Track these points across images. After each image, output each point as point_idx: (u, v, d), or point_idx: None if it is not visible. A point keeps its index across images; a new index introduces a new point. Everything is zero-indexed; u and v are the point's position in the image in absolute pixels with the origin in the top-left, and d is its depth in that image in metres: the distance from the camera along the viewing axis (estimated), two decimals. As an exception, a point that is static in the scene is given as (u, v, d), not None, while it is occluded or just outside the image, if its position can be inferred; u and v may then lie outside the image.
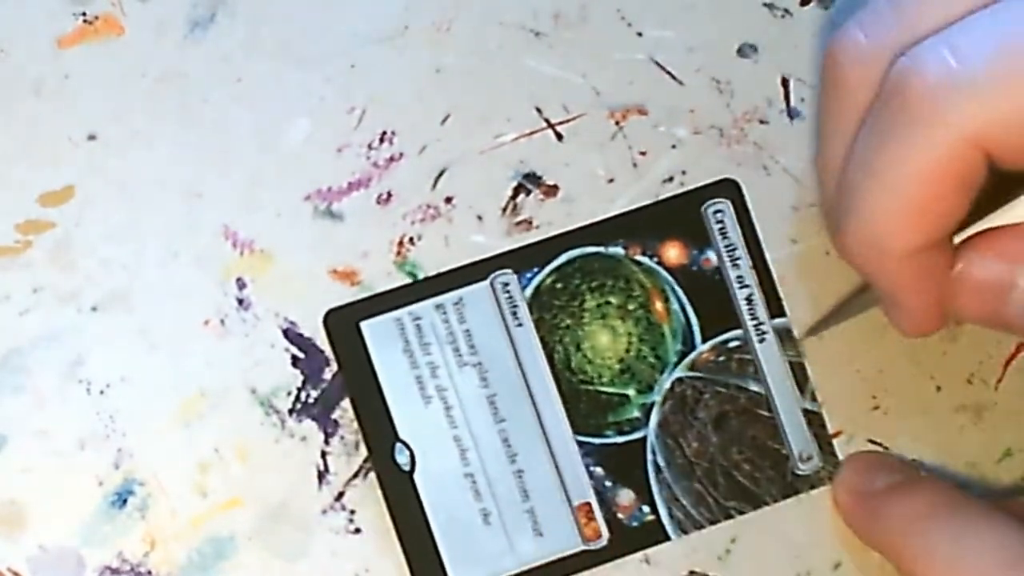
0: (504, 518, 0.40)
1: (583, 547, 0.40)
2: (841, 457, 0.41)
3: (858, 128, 0.37)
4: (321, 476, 0.40)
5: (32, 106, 0.41)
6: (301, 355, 0.41)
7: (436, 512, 0.39)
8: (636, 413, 0.41)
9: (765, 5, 0.43)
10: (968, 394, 0.42)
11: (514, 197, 0.42)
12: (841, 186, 0.37)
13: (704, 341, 0.41)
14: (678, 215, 0.41)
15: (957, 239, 0.37)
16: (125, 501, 0.40)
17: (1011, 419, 0.42)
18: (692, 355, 0.41)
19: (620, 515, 0.40)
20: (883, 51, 0.36)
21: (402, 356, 0.40)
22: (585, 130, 0.42)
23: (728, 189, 0.42)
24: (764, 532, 0.41)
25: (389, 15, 0.42)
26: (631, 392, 0.41)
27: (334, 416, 0.40)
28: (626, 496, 0.40)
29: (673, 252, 0.41)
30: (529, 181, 0.42)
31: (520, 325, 0.41)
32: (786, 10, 0.43)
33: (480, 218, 0.41)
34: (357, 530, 0.40)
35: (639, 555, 0.40)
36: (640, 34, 0.43)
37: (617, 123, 0.42)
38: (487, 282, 0.41)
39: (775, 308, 0.41)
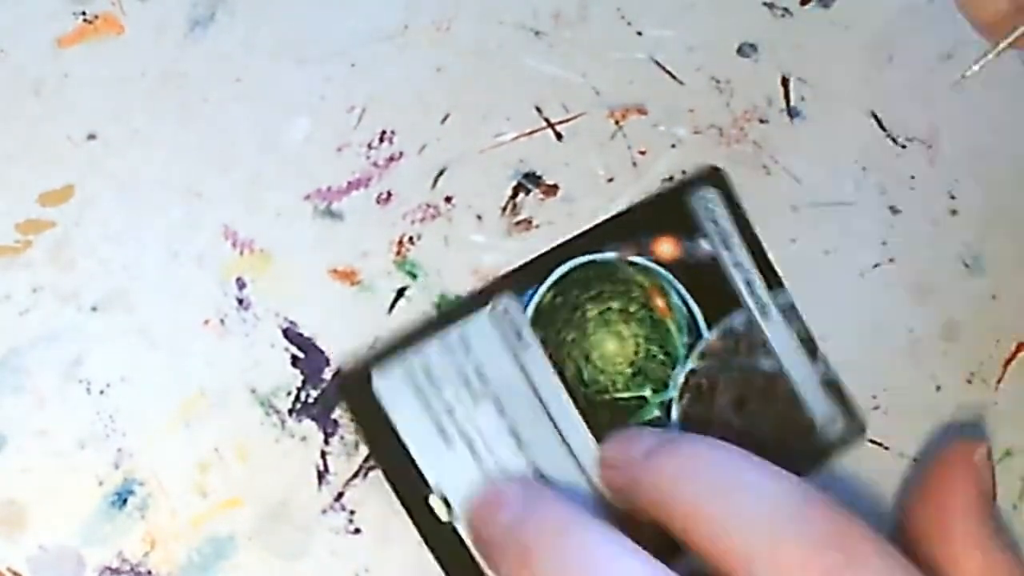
0: None
1: None
2: (862, 418, 0.41)
3: None
4: (321, 476, 0.40)
5: (32, 106, 0.41)
6: (301, 355, 0.40)
7: None
8: (656, 412, 0.41)
9: (765, 5, 0.43)
10: (968, 394, 0.42)
11: (514, 196, 0.42)
12: None
13: (710, 329, 0.41)
14: (666, 210, 0.41)
15: None
16: (125, 501, 0.40)
17: (1011, 419, 0.42)
18: (701, 345, 0.41)
19: None
20: None
21: (416, 403, 0.39)
22: (585, 130, 0.42)
23: (713, 177, 0.41)
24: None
25: (389, 15, 0.42)
26: (647, 393, 0.41)
27: (334, 416, 0.40)
28: None
29: (666, 247, 0.41)
30: (529, 180, 0.42)
31: (528, 347, 0.40)
32: (786, 10, 0.43)
33: (480, 217, 0.41)
34: (357, 530, 0.40)
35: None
36: (640, 34, 0.43)
37: (617, 123, 0.42)
38: (487, 309, 0.40)
39: (774, 283, 0.41)
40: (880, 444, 0.42)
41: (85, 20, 0.41)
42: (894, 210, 0.43)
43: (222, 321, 0.41)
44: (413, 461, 0.39)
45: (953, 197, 0.43)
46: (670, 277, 0.41)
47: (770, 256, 0.41)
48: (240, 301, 0.41)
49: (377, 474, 0.40)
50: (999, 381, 0.42)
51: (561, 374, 0.40)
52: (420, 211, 0.41)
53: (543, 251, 0.41)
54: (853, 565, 0.34)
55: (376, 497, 0.40)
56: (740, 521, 0.35)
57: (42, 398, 0.40)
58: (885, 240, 0.43)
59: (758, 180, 0.42)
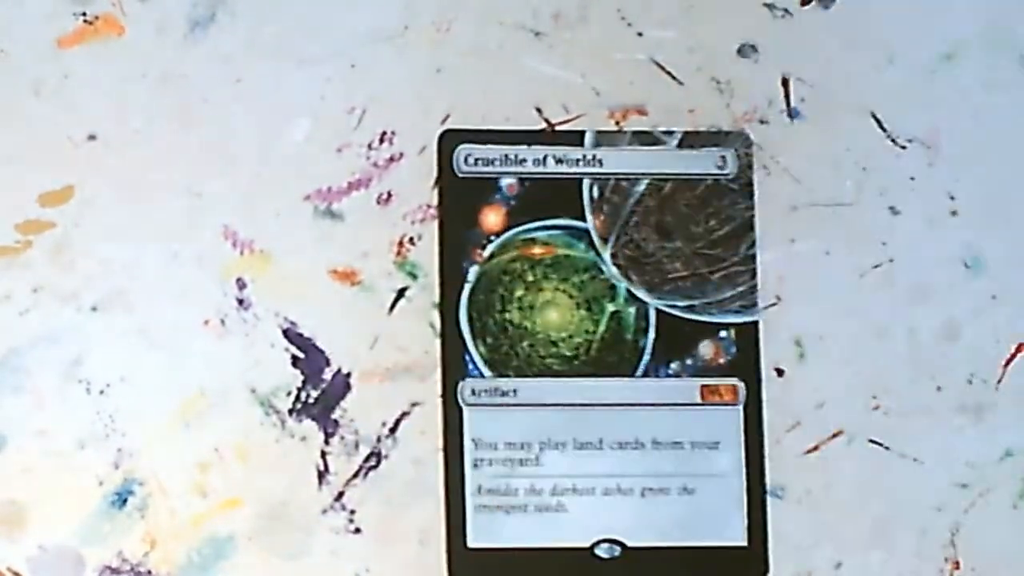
0: (692, 473, 0.40)
1: (741, 406, 0.41)
2: (735, 130, 0.41)
3: None
4: (321, 476, 0.40)
5: (32, 106, 0.41)
6: (301, 355, 0.40)
7: None
8: (631, 309, 0.41)
9: (765, 5, 0.43)
10: (968, 394, 0.42)
11: (514, 197, 0.42)
12: None
13: (584, 219, 0.41)
14: (456, 197, 0.41)
15: None
16: (125, 501, 0.40)
17: (1011, 419, 0.42)
18: (593, 236, 0.41)
19: (721, 360, 0.41)
20: None
21: (511, 516, 0.40)
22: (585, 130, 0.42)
23: (451, 139, 0.41)
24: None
25: (389, 15, 0.42)
26: (610, 307, 0.41)
27: (334, 416, 0.40)
28: (706, 348, 0.41)
29: (490, 218, 0.41)
30: (529, 181, 0.42)
31: (516, 391, 0.41)
32: (786, 10, 0.43)
33: (480, 218, 0.41)
34: (357, 530, 0.40)
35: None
36: (640, 34, 0.43)
37: (617, 123, 0.42)
38: (465, 407, 0.40)
39: (574, 139, 0.41)
40: (880, 444, 0.42)
41: (85, 20, 0.41)
42: (894, 210, 0.43)
43: (222, 321, 0.41)
44: (558, 548, 0.40)
45: (953, 197, 0.43)
46: (518, 229, 0.41)
47: (545, 126, 0.41)
48: (240, 301, 0.41)
49: (377, 473, 0.40)
50: (999, 381, 0.42)
51: (554, 375, 0.41)
52: (420, 211, 0.41)
53: (440, 330, 0.41)
54: None
55: (376, 497, 0.40)
56: None
57: (42, 398, 0.40)
58: (885, 240, 0.42)
59: (758, 180, 0.42)
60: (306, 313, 0.41)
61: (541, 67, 0.42)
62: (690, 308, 0.41)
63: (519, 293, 0.41)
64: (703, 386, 0.40)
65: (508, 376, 0.40)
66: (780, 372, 0.42)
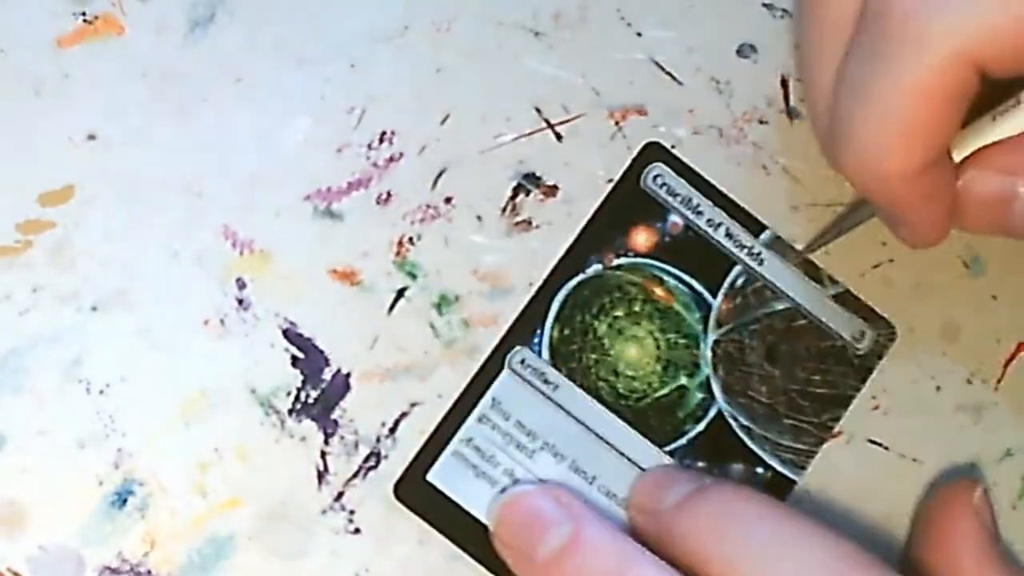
0: None
1: None
2: (888, 317, 0.42)
3: (843, 54, 0.37)
4: (321, 476, 0.40)
5: (32, 106, 0.41)
6: (301, 355, 0.41)
7: None
8: (699, 395, 0.41)
9: (765, 5, 0.43)
10: (968, 394, 0.42)
11: (514, 197, 0.42)
12: (833, 114, 0.37)
13: (715, 295, 0.41)
14: (626, 203, 0.41)
15: (956, 157, 0.37)
16: (125, 501, 0.40)
17: (1011, 419, 0.42)
18: (713, 314, 0.41)
19: None
20: None
21: (479, 482, 0.40)
22: (585, 130, 0.42)
23: (654, 152, 0.42)
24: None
25: (389, 15, 0.42)
26: (683, 380, 0.41)
27: (334, 416, 0.40)
28: (736, 470, 0.41)
29: (642, 237, 0.41)
30: (529, 181, 0.42)
31: (557, 388, 0.40)
32: (786, 10, 0.43)
33: (480, 218, 0.41)
34: (357, 530, 0.40)
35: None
36: (640, 34, 0.43)
37: (617, 123, 0.42)
38: (507, 369, 0.40)
39: (754, 228, 0.41)
40: (880, 444, 0.42)
41: (85, 20, 0.41)
42: (894, 210, 0.43)
43: (222, 321, 0.41)
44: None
45: (953, 197, 0.43)
46: (658, 264, 0.41)
47: (738, 201, 0.41)
48: (240, 301, 0.41)
49: (377, 473, 0.40)
50: (999, 381, 0.42)
51: (598, 398, 0.40)
52: (420, 211, 0.41)
53: (532, 294, 0.41)
54: None
55: (376, 497, 0.40)
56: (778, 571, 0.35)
57: (42, 398, 0.40)
58: (885, 240, 0.42)
59: (758, 180, 0.42)
60: (306, 313, 0.41)
61: (541, 67, 0.42)
62: (747, 430, 0.41)
63: (618, 313, 0.41)
64: None
65: (559, 371, 0.40)
66: (780, 372, 0.42)
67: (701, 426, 0.41)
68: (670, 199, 0.41)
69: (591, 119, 0.42)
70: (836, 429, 0.42)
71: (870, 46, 0.35)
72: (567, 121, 0.42)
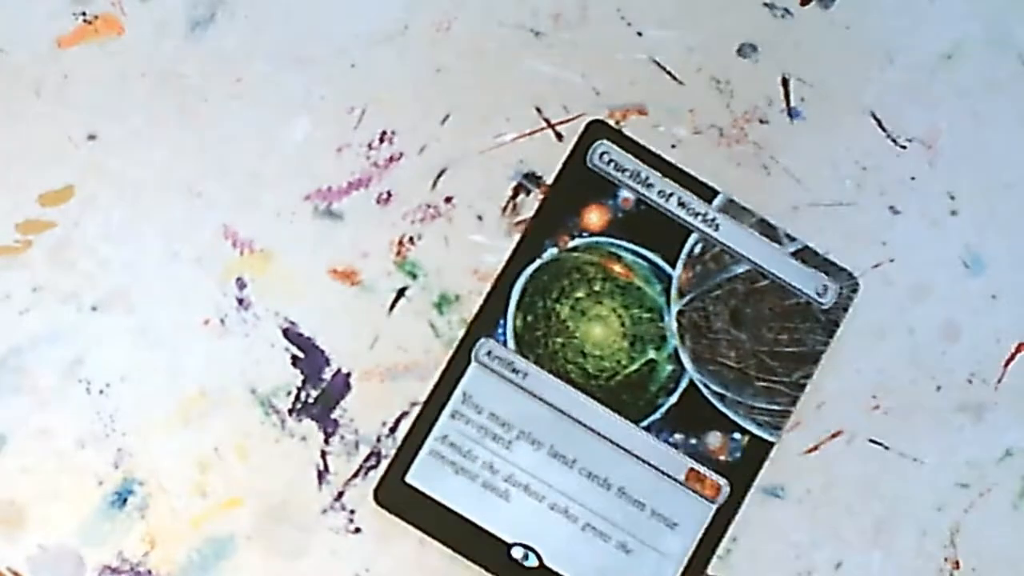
0: (638, 536, 0.40)
1: (716, 506, 0.40)
2: (850, 269, 0.41)
3: None
4: (321, 476, 0.40)
5: (32, 106, 0.41)
6: (301, 355, 0.41)
7: None
8: (669, 367, 0.41)
9: (765, 5, 0.43)
10: (968, 394, 0.42)
11: (514, 197, 0.42)
12: None
13: (674, 266, 0.41)
14: (574, 183, 0.41)
15: None
16: (125, 501, 0.40)
17: (1011, 419, 0.42)
18: (674, 285, 0.41)
19: (722, 457, 0.40)
20: None
21: (458, 477, 0.40)
22: (585, 130, 0.42)
23: (596, 130, 0.41)
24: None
25: (389, 15, 0.42)
26: (651, 354, 0.41)
27: (334, 416, 0.40)
28: (714, 439, 0.41)
29: (594, 216, 0.41)
30: (529, 181, 0.42)
31: (526, 375, 0.40)
32: (786, 10, 0.43)
33: (480, 218, 0.41)
34: (357, 530, 0.40)
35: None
36: (640, 34, 0.43)
37: (617, 123, 0.42)
38: (474, 363, 0.40)
39: (707, 194, 0.41)
40: (880, 444, 0.42)
41: (85, 20, 0.41)
42: (894, 210, 0.43)
43: (222, 321, 0.41)
44: (481, 528, 0.40)
45: (953, 197, 0.43)
46: (613, 240, 0.41)
47: (686, 169, 0.41)
48: (240, 301, 0.41)
49: (377, 473, 0.40)
50: (999, 381, 0.42)
51: (569, 380, 0.40)
52: (420, 211, 0.41)
53: (491, 284, 0.41)
54: None
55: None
56: None
57: (42, 398, 0.40)
58: (885, 240, 0.42)
59: (758, 180, 0.42)
60: (306, 313, 0.41)
61: (541, 67, 0.42)
62: (720, 397, 0.41)
63: (579, 294, 0.41)
64: (692, 469, 0.40)
65: (527, 358, 0.40)
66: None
67: (674, 398, 0.41)
68: (618, 175, 0.41)
69: (591, 119, 0.42)
70: (834, 430, 0.42)
71: None
72: (567, 121, 0.42)
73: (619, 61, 0.43)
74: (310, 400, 0.40)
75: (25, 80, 0.41)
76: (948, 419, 0.42)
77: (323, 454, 0.40)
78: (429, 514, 0.40)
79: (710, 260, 0.41)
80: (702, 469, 0.40)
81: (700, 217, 0.41)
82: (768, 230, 0.41)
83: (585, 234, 0.41)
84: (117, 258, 0.41)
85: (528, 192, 0.42)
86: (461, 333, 0.41)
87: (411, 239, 0.41)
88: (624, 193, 0.41)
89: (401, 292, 0.41)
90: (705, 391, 0.41)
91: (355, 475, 0.40)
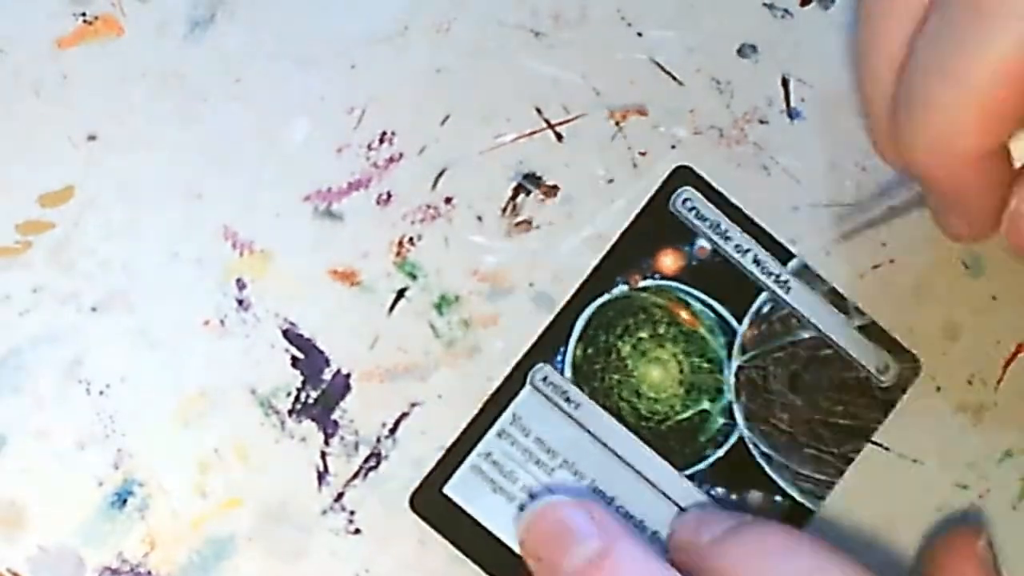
0: None
1: None
2: (914, 351, 0.42)
3: (915, 29, 0.36)
4: (321, 476, 0.40)
5: (32, 106, 0.41)
6: (301, 355, 0.41)
7: None
8: (721, 420, 0.41)
9: (765, 5, 0.43)
10: (968, 394, 0.42)
11: (514, 197, 0.42)
12: (902, 95, 0.36)
13: (740, 322, 0.41)
14: (654, 225, 0.41)
15: (1015, 155, 0.36)
16: (125, 501, 0.40)
17: (1011, 419, 0.42)
18: (738, 340, 0.41)
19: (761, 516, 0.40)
20: None
21: (496, 497, 0.40)
22: (585, 130, 0.42)
23: (683, 176, 0.42)
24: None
25: (389, 15, 0.42)
26: (706, 405, 0.41)
27: (334, 416, 0.40)
28: (756, 497, 0.40)
29: (669, 260, 0.41)
30: (529, 181, 0.42)
31: (578, 406, 0.40)
32: (786, 10, 0.43)
33: (480, 218, 0.41)
34: (357, 530, 0.40)
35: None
36: (640, 34, 0.43)
37: (617, 123, 0.42)
38: (529, 385, 0.40)
39: (782, 254, 0.41)
40: (880, 445, 0.42)
41: (85, 21, 0.41)
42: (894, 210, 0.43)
43: (222, 321, 0.41)
44: (512, 551, 0.40)
45: (953, 197, 0.43)
46: (684, 287, 0.41)
47: (766, 228, 0.41)
48: (240, 301, 0.41)
49: (377, 474, 0.40)
50: (999, 381, 0.42)
51: (619, 418, 0.40)
52: (420, 212, 0.41)
53: (556, 311, 0.41)
54: None
55: (376, 497, 0.40)
56: None
57: (42, 398, 0.40)
58: (885, 240, 0.42)
59: (758, 180, 0.42)
60: (306, 313, 0.41)
61: (541, 67, 0.42)
62: (767, 458, 0.41)
63: (643, 335, 0.41)
64: None
65: (582, 389, 0.40)
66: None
67: (721, 451, 0.41)
68: (698, 223, 0.41)
69: (591, 119, 0.42)
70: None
71: (950, 22, 0.35)
72: (567, 121, 0.42)
73: (619, 61, 0.43)
74: (310, 401, 0.40)
75: (25, 80, 0.41)
76: (948, 419, 0.42)
77: (323, 455, 0.40)
78: (462, 528, 0.40)
79: (777, 321, 0.41)
80: None
81: (773, 277, 0.41)
82: (838, 300, 0.41)
83: (657, 276, 0.41)
84: (117, 258, 0.41)
85: (528, 193, 0.42)
86: (461, 334, 0.41)
87: (411, 240, 0.41)
88: (701, 242, 0.41)
89: (401, 293, 0.41)
90: (753, 450, 0.41)
91: (355, 476, 0.40)
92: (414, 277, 0.41)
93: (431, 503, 0.40)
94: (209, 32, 0.42)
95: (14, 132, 0.41)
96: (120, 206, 0.41)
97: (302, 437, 0.40)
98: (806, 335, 0.41)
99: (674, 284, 0.41)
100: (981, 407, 0.42)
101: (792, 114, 0.43)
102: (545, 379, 0.40)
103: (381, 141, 0.42)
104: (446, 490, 0.40)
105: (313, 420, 0.40)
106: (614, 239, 0.41)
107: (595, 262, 0.41)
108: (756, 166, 0.42)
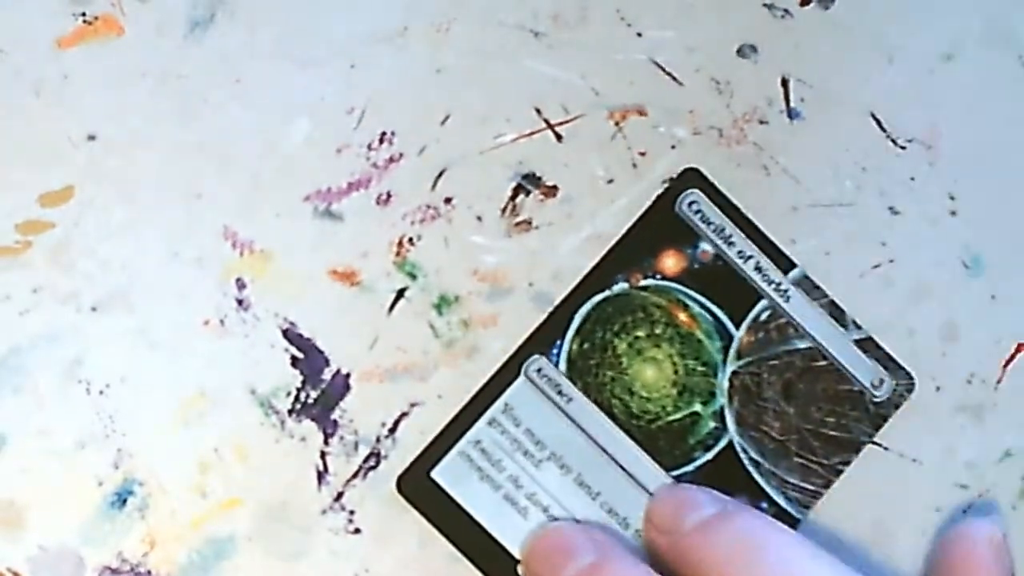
0: None
1: None
2: (908, 368, 0.41)
3: None
4: (321, 476, 0.40)
5: (32, 106, 0.41)
6: (301, 355, 0.41)
7: None
8: (712, 424, 0.41)
9: (765, 5, 0.43)
10: (968, 394, 0.42)
11: (514, 198, 0.42)
12: None
13: (738, 327, 0.41)
14: (658, 226, 0.41)
15: None
16: (125, 501, 0.40)
17: (1011, 419, 0.42)
18: (734, 345, 0.41)
19: None
20: None
21: (482, 484, 0.40)
22: (585, 130, 0.42)
23: (691, 178, 0.42)
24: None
25: (389, 15, 0.42)
26: (697, 407, 0.41)
27: (333, 416, 0.40)
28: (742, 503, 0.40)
29: (670, 261, 0.41)
30: (528, 181, 0.42)
31: (570, 400, 0.40)
32: (786, 10, 0.43)
33: (480, 218, 0.41)
34: (357, 530, 0.40)
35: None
36: (640, 34, 0.43)
37: (617, 123, 0.42)
38: (522, 376, 0.40)
39: (784, 264, 0.41)
40: (880, 445, 0.42)
41: (85, 21, 0.41)
42: (894, 210, 0.43)
43: (222, 321, 0.41)
44: (494, 539, 0.40)
45: (953, 197, 0.43)
46: (684, 289, 0.41)
47: (770, 235, 0.41)
48: (240, 301, 0.41)
49: (376, 474, 0.40)
50: (999, 381, 0.42)
51: (611, 415, 0.40)
52: (420, 212, 0.41)
53: (555, 305, 0.41)
54: None
55: (376, 497, 0.40)
56: None
57: (42, 398, 0.40)
58: (885, 240, 0.42)
59: (758, 181, 0.42)
60: (306, 313, 0.41)
61: (541, 67, 0.42)
62: (756, 464, 0.41)
63: (639, 333, 0.41)
64: None
65: (575, 384, 0.40)
66: (780, 372, 0.42)
67: (710, 455, 0.41)
68: (703, 226, 0.41)
69: (591, 119, 0.42)
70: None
71: None
72: (567, 121, 0.42)
73: (619, 61, 0.43)
74: (310, 401, 0.40)
75: (25, 80, 0.41)
76: (948, 419, 0.42)
77: (323, 455, 0.40)
78: (446, 513, 0.40)
79: (774, 329, 0.41)
80: None
81: (774, 285, 0.41)
82: (836, 312, 0.41)
83: (658, 276, 0.41)
84: (117, 258, 0.41)
85: (528, 193, 0.42)
86: (460, 334, 0.41)
87: (411, 240, 0.41)
88: (704, 245, 0.41)
89: (401, 292, 0.41)
90: (742, 455, 0.41)
91: (355, 475, 0.40)
92: (414, 277, 0.41)
93: (418, 486, 0.40)
94: (209, 32, 0.42)
95: (14, 132, 0.41)
96: (120, 206, 0.41)
97: (302, 437, 0.40)
98: (802, 345, 0.41)
99: (674, 285, 0.41)
100: (981, 407, 0.42)
101: (792, 114, 0.43)
102: (539, 371, 0.40)
103: (381, 141, 0.42)
104: (434, 474, 0.40)
105: (313, 420, 0.40)
106: (618, 236, 0.41)
107: (595, 261, 0.41)
108: (756, 166, 0.42)
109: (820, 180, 0.43)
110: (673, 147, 0.42)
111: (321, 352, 0.41)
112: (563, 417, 0.40)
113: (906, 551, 0.41)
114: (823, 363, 0.41)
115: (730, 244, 0.41)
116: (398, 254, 0.41)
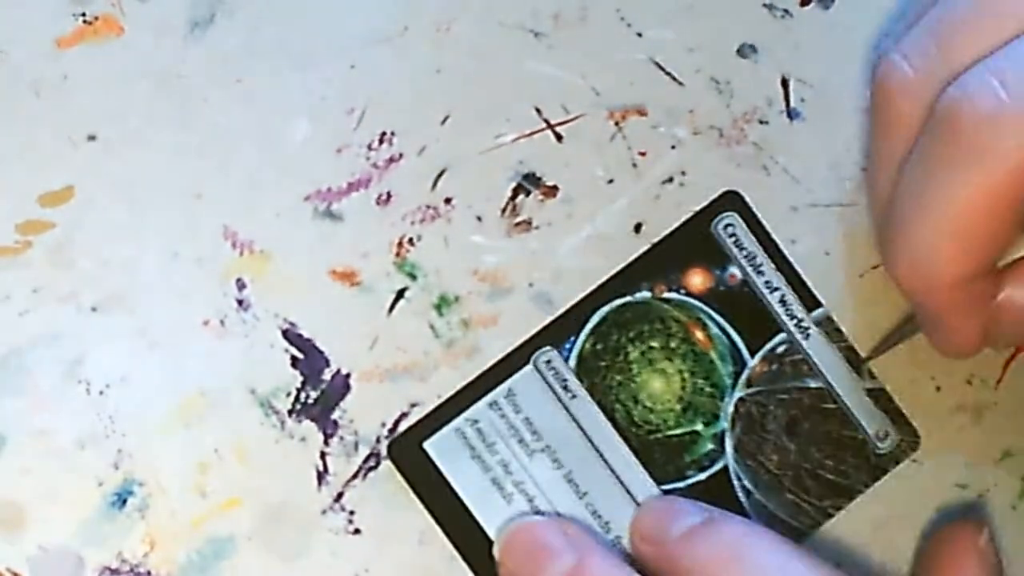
0: None
1: None
2: (916, 425, 0.41)
3: (908, 151, 0.37)
4: (320, 476, 0.40)
5: (32, 106, 0.41)
6: (301, 356, 0.41)
7: None
8: (710, 445, 0.41)
9: (765, 5, 0.43)
10: (968, 394, 0.42)
11: (514, 198, 0.42)
12: (890, 215, 0.37)
13: (753, 355, 0.41)
14: (691, 241, 0.41)
15: (1000, 264, 0.37)
16: (125, 501, 0.40)
17: (1011, 419, 0.42)
18: (745, 372, 0.41)
19: None
20: (930, 82, 0.36)
21: (472, 463, 0.40)
22: (585, 130, 0.42)
23: (731, 201, 0.42)
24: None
25: (389, 15, 0.42)
26: (699, 427, 0.41)
27: (333, 417, 0.40)
28: None
29: (697, 279, 0.41)
30: (529, 182, 0.42)
31: (574, 397, 0.40)
32: (786, 10, 0.43)
33: (480, 219, 0.42)
34: (357, 530, 0.40)
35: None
36: (640, 34, 0.43)
37: (617, 123, 0.42)
38: (531, 365, 0.40)
39: (810, 302, 0.41)
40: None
41: (85, 21, 0.41)
42: (894, 210, 0.43)
43: (222, 322, 0.41)
44: (474, 519, 0.40)
45: (953, 198, 0.43)
46: (706, 308, 0.41)
47: (801, 273, 0.41)
48: (240, 302, 0.41)
49: (376, 474, 0.40)
50: (999, 381, 0.42)
51: (611, 419, 0.40)
52: (420, 212, 0.41)
53: (576, 300, 0.41)
54: None
55: (376, 497, 0.40)
56: None
57: (42, 398, 0.40)
58: (885, 240, 0.42)
59: (758, 181, 0.42)
60: (306, 313, 0.41)
61: (541, 67, 0.42)
62: (747, 493, 0.41)
63: (654, 343, 0.41)
64: None
65: (582, 382, 0.40)
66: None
67: (703, 475, 0.41)
68: (735, 250, 0.41)
69: (591, 119, 0.42)
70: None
71: (933, 151, 0.35)
72: (567, 121, 0.42)
73: (619, 61, 0.43)
74: (310, 401, 0.40)
75: (25, 80, 0.41)
76: (948, 419, 0.42)
77: (323, 455, 0.40)
78: (431, 485, 0.40)
79: (788, 364, 0.41)
80: None
81: (795, 321, 0.41)
82: (853, 358, 0.41)
83: (682, 291, 0.41)
84: (117, 258, 0.41)
85: (528, 193, 0.42)
86: (460, 334, 0.41)
87: (411, 240, 0.41)
88: (733, 269, 0.41)
89: (401, 292, 0.41)
90: (735, 481, 0.41)
91: (355, 476, 0.40)
92: (414, 277, 0.41)
93: (408, 454, 0.40)
94: (209, 32, 0.42)
95: (14, 132, 0.41)
96: (120, 206, 0.41)
97: (302, 437, 0.40)
98: (814, 384, 0.41)
99: (697, 303, 0.41)
100: (981, 407, 0.42)
101: (792, 114, 0.43)
102: (549, 363, 0.41)
103: (381, 141, 0.42)
104: (426, 445, 0.40)
105: (313, 420, 0.40)
106: (650, 244, 0.41)
107: (601, 262, 0.41)
108: (756, 166, 0.42)
109: (820, 180, 0.43)
110: (673, 147, 0.42)
111: (321, 352, 0.41)
112: (564, 412, 0.40)
113: (905, 551, 0.41)
114: (831, 406, 0.41)
115: (759, 272, 0.41)
116: (398, 254, 0.41)
